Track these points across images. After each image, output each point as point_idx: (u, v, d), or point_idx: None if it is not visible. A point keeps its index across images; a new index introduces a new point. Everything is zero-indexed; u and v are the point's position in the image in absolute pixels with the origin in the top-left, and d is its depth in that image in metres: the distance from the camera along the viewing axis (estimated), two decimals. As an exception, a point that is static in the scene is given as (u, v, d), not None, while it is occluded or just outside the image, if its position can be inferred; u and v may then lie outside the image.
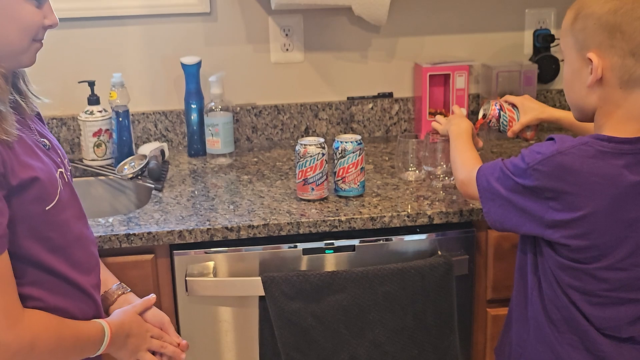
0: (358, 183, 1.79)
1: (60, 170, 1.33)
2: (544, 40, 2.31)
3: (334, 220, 1.69)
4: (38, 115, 1.42)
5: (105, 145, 2.12)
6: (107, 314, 1.45)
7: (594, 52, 1.32)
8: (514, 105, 1.82)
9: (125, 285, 1.52)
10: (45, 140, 1.35)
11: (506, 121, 1.80)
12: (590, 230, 1.35)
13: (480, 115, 1.83)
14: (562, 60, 1.43)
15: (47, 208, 1.27)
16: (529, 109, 1.80)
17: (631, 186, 1.33)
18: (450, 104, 2.20)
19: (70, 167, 1.42)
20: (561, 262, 1.40)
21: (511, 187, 1.40)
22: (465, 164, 1.60)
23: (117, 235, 1.63)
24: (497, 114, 1.80)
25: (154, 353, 1.45)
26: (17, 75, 1.34)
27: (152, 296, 1.49)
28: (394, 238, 1.74)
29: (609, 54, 1.31)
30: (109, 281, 1.51)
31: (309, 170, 1.75)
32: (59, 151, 1.39)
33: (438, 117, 1.86)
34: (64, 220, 1.32)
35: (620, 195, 1.33)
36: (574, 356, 1.43)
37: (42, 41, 1.31)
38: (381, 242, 1.73)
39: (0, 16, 1.22)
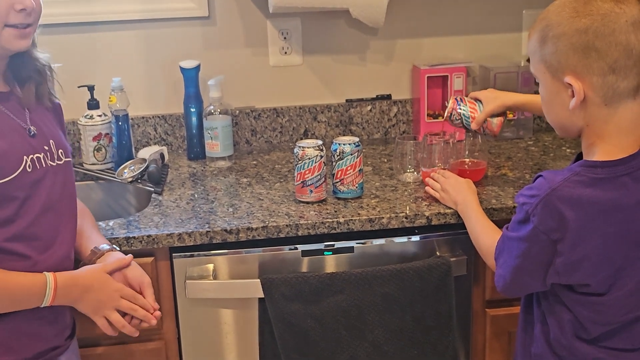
0: (356, 185, 1.80)
1: (37, 155, 1.41)
2: (541, 41, 2.32)
3: (333, 222, 1.70)
4: (56, 109, 1.53)
5: (105, 149, 2.13)
6: None
7: (571, 75, 1.26)
8: (476, 99, 1.79)
9: (116, 247, 1.56)
10: (33, 127, 1.43)
11: (467, 113, 1.76)
12: (604, 260, 1.29)
13: (445, 113, 1.82)
14: (536, 83, 1.37)
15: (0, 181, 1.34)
16: (490, 99, 1.76)
17: (636, 205, 1.28)
18: (449, 106, 2.20)
19: (64, 161, 1.49)
20: (582, 300, 1.34)
21: (517, 247, 1.34)
22: (490, 251, 1.48)
23: (117, 238, 1.64)
24: (457, 107, 1.77)
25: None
26: (41, 72, 1.45)
27: (128, 256, 1.53)
28: (392, 239, 1.74)
29: (588, 75, 1.24)
30: (101, 243, 1.55)
31: (307, 172, 1.76)
32: (51, 143, 1.46)
33: (433, 177, 1.78)
34: (22, 197, 1.37)
35: (626, 218, 1.28)
36: None
37: (20, 26, 1.36)
38: (380, 243, 1.74)
39: None
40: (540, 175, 1.32)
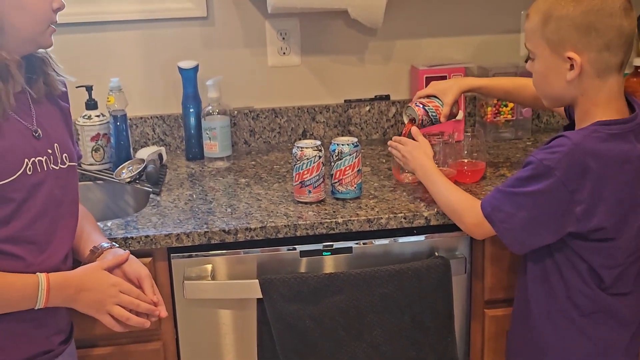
0: (355, 185, 1.80)
1: (39, 158, 1.41)
2: (539, 42, 2.32)
3: (331, 222, 1.70)
4: (64, 112, 1.53)
5: (103, 149, 2.12)
6: None
7: (572, 50, 1.44)
8: (429, 95, 1.85)
9: (115, 245, 1.55)
10: (38, 129, 1.43)
11: (434, 112, 1.83)
12: (617, 204, 1.45)
13: (406, 122, 1.85)
14: (531, 59, 1.52)
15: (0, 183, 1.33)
16: (447, 90, 1.84)
17: (639, 159, 1.46)
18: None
19: (68, 165, 1.49)
20: (596, 247, 1.48)
21: (530, 202, 1.47)
22: (464, 205, 1.61)
23: (115, 238, 1.64)
24: (424, 111, 1.82)
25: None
26: (44, 59, 1.47)
27: (125, 252, 1.51)
28: (391, 240, 1.74)
29: (586, 50, 1.43)
30: (100, 242, 1.54)
31: (305, 172, 1.76)
32: (56, 147, 1.45)
33: (391, 144, 1.81)
34: (19, 199, 1.37)
35: (633, 168, 1.45)
36: (600, 330, 1.54)
37: (54, 24, 1.41)
38: (378, 244, 1.74)
39: (11, 8, 1.33)
40: (561, 136, 1.46)
